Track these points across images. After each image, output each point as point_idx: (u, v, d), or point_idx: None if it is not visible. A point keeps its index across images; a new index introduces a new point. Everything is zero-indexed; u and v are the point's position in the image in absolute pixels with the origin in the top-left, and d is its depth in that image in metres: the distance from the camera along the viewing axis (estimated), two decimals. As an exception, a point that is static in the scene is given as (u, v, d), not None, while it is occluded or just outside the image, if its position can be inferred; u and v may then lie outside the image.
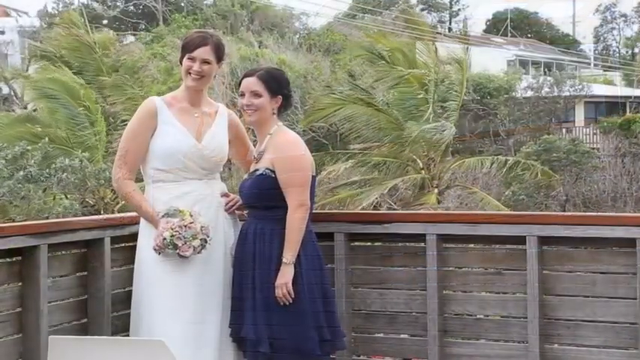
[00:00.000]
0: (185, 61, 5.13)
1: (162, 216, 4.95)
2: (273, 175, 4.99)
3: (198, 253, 4.93)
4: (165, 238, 4.87)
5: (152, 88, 22.57)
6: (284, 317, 4.93)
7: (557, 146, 28.05)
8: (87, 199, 18.39)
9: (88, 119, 20.51)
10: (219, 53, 5.16)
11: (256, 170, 5.08)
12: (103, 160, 19.33)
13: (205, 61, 5.11)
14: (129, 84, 22.45)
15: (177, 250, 4.89)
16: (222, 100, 21.09)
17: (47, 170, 17.32)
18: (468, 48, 24.46)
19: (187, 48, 5.14)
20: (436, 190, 21.16)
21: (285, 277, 4.90)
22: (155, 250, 4.93)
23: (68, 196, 18.10)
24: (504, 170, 22.26)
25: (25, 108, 23.84)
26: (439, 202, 20.87)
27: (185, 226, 4.88)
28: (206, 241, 4.93)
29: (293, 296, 4.90)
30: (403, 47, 22.70)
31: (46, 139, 18.97)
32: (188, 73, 5.12)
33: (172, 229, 4.87)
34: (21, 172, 16.87)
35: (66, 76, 21.26)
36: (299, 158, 5.02)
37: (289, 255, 4.92)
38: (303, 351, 4.94)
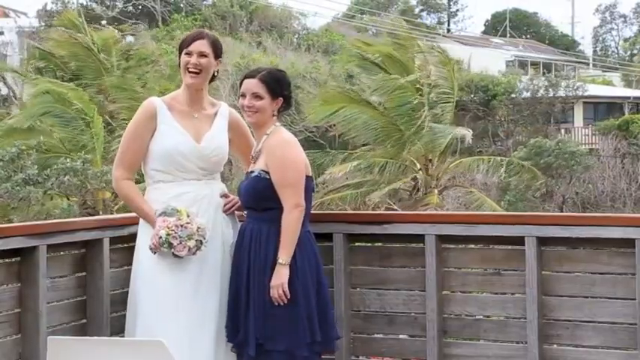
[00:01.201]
0: (183, 57, 5.12)
1: (160, 214, 4.94)
2: (268, 177, 4.97)
3: (193, 254, 4.90)
4: (160, 237, 4.85)
5: (156, 86, 22.50)
6: (277, 318, 4.91)
7: (547, 148, 28.03)
8: (87, 201, 18.35)
9: (84, 121, 20.44)
10: (216, 48, 5.14)
11: (252, 172, 5.08)
12: (102, 161, 19.28)
13: (202, 54, 5.09)
14: (133, 82, 22.35)
15: (172, 250, 4.87)
16: (226, 102, 21.00)
17: (46, 172, 17.28)
18: (433, 45, 24.39)
19: (184, 44, 5.13)
20: (436, 191, 21.16)
21: (281, 277, 4.89)
22: (151, 249, 4.92)
23: (70, 198, 18.08)
24: (501, 171, 22.23)
25: (22, 108, 23.85)
26: (441, 201, 20.89)
27: (181, 226, 4.86)
28: (202, 243, 4.90)
29: (289, 297, 4.89)
30: (395, 52, 22.57)
31: (41, 137, 18.96)
32: (186, 69, 5.11)
33: (168, 227, 4.85)
34: (20, 175, 16.84)
35: (52, 83, 21.26)
36: (291, 158, 4.99)
37: (285, 256, 4.91)
38: (291, 351, 4.93)
